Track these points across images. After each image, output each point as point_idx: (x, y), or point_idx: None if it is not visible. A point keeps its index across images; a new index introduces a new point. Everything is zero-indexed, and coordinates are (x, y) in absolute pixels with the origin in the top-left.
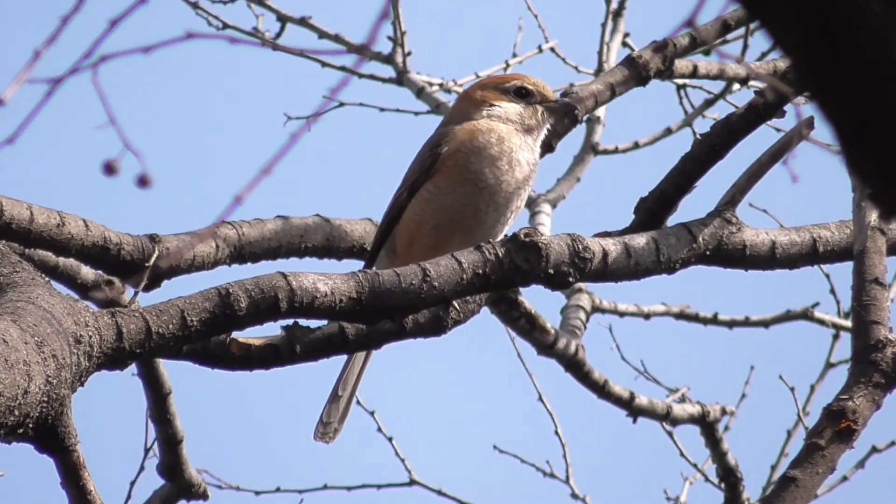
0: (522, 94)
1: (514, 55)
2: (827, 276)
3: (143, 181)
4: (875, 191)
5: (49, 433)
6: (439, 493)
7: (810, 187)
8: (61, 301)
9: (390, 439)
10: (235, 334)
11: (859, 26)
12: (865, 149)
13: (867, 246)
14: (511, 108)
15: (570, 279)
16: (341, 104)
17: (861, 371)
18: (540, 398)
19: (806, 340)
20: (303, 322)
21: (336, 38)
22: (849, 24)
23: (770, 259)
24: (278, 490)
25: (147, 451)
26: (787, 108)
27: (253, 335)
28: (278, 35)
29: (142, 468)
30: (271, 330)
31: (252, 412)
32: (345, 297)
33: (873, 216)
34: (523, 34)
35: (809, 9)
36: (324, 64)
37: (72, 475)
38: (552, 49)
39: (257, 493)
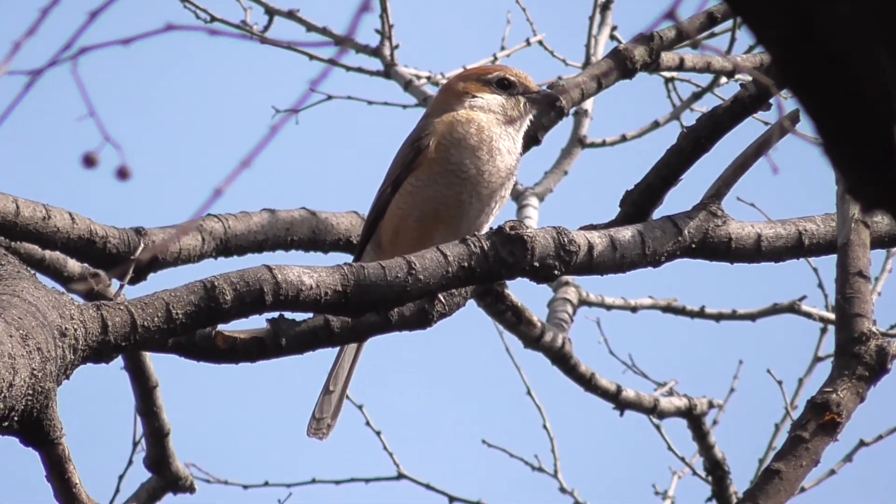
0: (505, 86)
1: (503, 48)
2: (815, 269)
3: (122, 173)
4: (853, 184)
5: (34, 426)
6: (427, 487)
7: (799, 180)
8: (46, 294)
9: (378, 433)
10: (221, 327)
11: (834, 23)
12: (843, 142)
13: (851, 239)
14: (493, 100)
15: (556, 272)
16: (329, 97)
17: (845, 364)
18: (528, 392)
19: (794, 334)
20: (288, 315)
21: (324, 31)
22: (824, 20)
23: (755, 252)
24: (266, 484)
25: (135, 444)
26: (773, 101)
27: (238, 328)
28: (266, 28)
29: (130, 462)
30: (257, 323)
31: (241, 406)
32: (330, 290)
33: (856, 209)
34: (511, 27)
35: (786, 5)
36: (311, 57)
37: (57, 468)
38: (540, 42)
39: (245, 486)
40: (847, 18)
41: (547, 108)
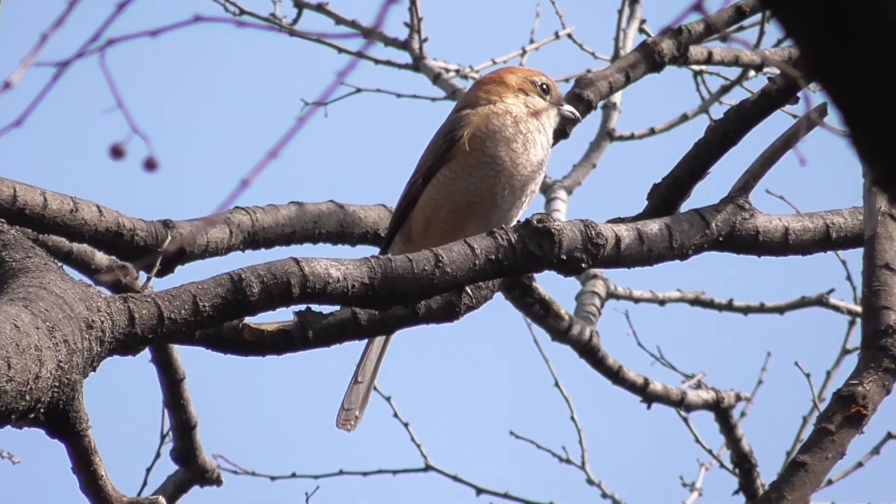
0: (545, 91)
1: (532, 41)
2: (843, 262)
3: (149, 164)
4: (880, 175)
5: (60, 418)
6: (455, 478)
7: (827, 173)
8: (73, 286)
9: (406, 425)
10: (248, 320)
11: (866, 13)
12: (871, 133)
13: (878, 231)
14: (539, 102)
15: (583, 265)
16: (359, 90)
17: (871, 356)
18: (556, 384)
19: (822, 326)
20: (315, 308)
21: (353, 24)
22: (854, 12)
23: (783, 245)
24: (294, 475)
25: (163, 437)
26: (800, 94)
27: (265, 321)
28: (295, 21)
29: (158, 454)
30: (284, 315)
31: (268, 398)
32: (357, 282)
33: (883, 201)
34: (540, 21)
35: None
36: (340, 50)
37: (83, 460)
38: (569, 35)
39: (273, 478)
40: (879, 8)
41: (566, 122)
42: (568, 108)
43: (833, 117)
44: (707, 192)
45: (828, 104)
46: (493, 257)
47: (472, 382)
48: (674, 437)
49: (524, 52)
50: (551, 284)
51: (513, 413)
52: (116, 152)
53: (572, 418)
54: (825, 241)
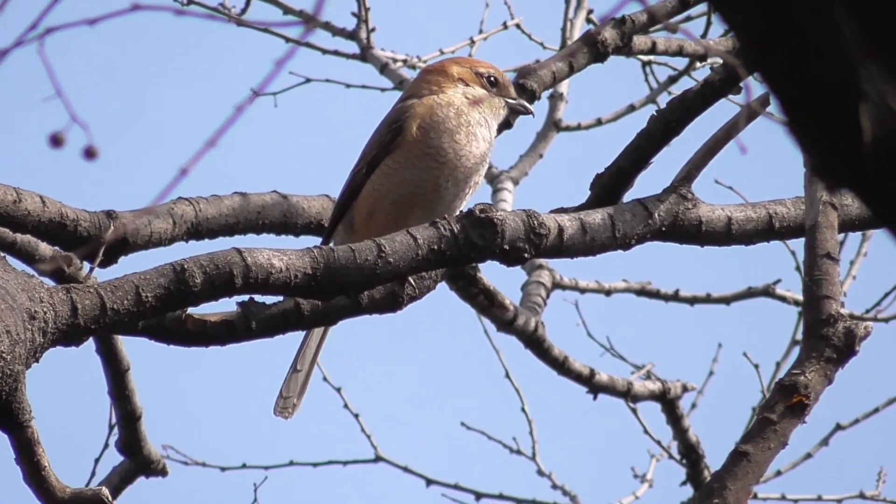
0: (492, 83)
1: (480, 31)
2: (793, 252)
3: (89, 153)
4: (818, 163)
5: (3, 409)
6: (405, 469)
7: (775, 163)
8: (16, 277)
9: (356, 416)
10: (191, 310)
11: (801, 4)
12: (808, 122)
13: (819, 221)
14: (479, 93)
15: (526, 255)
16: (308, 80)
17: (813, 346)
18: (507, 375)
19: (772, 317)
20: (259, 298)
21: (300, 14)
22: (791, 1)
23: (726, 235)
24: (244, 466)
25: (112, 428)
26: (743, 84)
27: (209, 311)
28: (244, 11)
29: (106, 445)
30: (227, 306)
31: (219, 389)
32: (300, 273)
33: (824, 191)
34: (489, 11)
35: None
36: (287, 40)
37: (26, 451)
38: (517, 26)
39: (223, 469)
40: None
41: (514, 114)
42: (519, 102)
43: (774, 107)
44: (651, 182)
45: (769, 94)
46: (436, 247)
47: (422, 373)
48: (625, 428)
49: (472, 42)
50: (497, 275)
51: (464, 404)
52: (56, 141)
53: (523, 409)
54: (768, 230)
